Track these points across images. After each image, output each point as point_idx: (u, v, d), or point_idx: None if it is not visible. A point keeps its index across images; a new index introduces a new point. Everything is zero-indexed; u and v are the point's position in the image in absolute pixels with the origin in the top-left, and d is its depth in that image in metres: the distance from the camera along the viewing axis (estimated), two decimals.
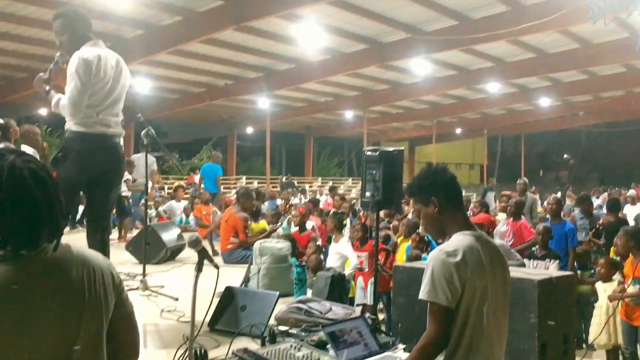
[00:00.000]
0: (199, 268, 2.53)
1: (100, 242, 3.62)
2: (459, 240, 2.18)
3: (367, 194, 4.96)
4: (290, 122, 28.14)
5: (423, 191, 2.28)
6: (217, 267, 2.63)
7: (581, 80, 19.87)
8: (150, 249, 5.58)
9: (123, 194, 8.40)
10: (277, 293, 3.32)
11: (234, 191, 22.00)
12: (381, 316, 5.40)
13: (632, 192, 17.29)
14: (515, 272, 4.08)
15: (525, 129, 31.20)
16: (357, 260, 5.35)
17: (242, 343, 3.14)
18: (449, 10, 13.27)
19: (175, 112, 22.82)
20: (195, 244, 2.68)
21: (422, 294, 2.10)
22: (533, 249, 5.96)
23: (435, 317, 2.08)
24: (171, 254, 6.21)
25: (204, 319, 3.25)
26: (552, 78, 19.92)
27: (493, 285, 2.21)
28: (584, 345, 5.46)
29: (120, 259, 5.79)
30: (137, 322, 1.78)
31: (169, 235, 6.18)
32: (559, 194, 14.91)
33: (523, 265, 4.95)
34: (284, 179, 21.27)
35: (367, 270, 5.86)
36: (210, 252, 3.07)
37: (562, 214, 7.30)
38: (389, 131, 31.66)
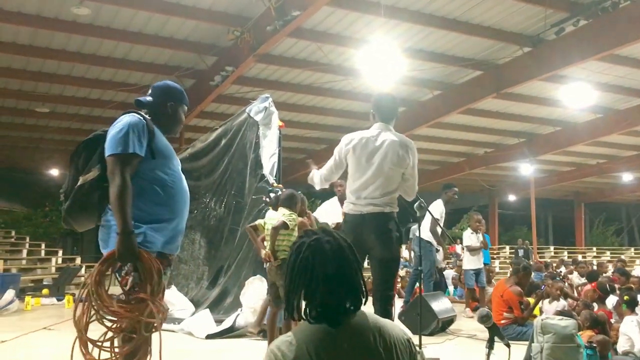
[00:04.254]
0: (491, 345, 2.45)
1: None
2: None
3: None
4: (556, 188, 26.32)
5: None
6: (508, 345, 2.52)
7: None
8: (422, 320, 5.65)
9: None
10: None
11: (497, 262, 21.24)
12: None
13: None
14: None
15: None
16: None
17: None
18: None
19: (434, 183, 23.25)
20: (486, 319, 2.62)
21: None
22: None
23: None
24: (442, 325, 6.18)
25: None
26: None
27: None
28: None
29: None
30: None
31: (440, 306, 6.18)
32: None
33: None
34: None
35: None
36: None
37: None
38: None
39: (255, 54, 10.05)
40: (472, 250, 8.28)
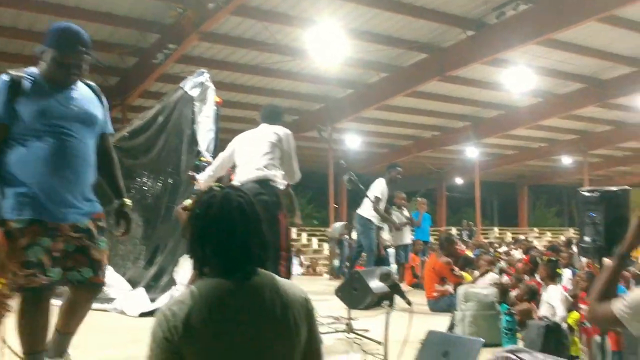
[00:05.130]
0: (391, 303, 2.49)
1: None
2: None
3: (587, 239, 4.51)
4: (501, 171, 27.05)
5: None
6: (409, 303, 2.57)
7: None
8: (357, 295, 5.72)
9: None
10: (482, 340, 3.12)
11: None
12: None
13: None
14: None
15: None
16: (564, 312, 4.83)
17: None
18: None
19: (384, 166, 23.53)
20: (386, 277, 2.63)
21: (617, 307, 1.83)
22: None
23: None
24: (378, 300, 6.27)
25: None
26: None
27: None
28: None
29: (329, 304, 6.03)
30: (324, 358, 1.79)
31: (376, 281, 6.26)
32: None
33: None
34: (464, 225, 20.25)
35: (591, 326, 5.26)
36: None
37: None
38: (615, 176, 28.52)
39: (198, 31, 9.87)
40: (401, 226, 8.53)
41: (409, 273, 9.05)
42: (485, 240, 18.21)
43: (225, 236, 1.68)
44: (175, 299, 1.68)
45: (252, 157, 4.39)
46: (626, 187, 4.45)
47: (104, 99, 2.95)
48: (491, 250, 11.92)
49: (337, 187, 20.69)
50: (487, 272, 6.65)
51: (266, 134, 4.49)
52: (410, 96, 15.03)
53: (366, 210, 7.21)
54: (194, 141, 5.88)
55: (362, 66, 13.32)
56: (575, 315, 5.34)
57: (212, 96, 5.96)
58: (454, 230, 24.52)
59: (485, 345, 4.06)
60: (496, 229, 27.13)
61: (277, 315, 1.66)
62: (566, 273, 7.08)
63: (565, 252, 8.00)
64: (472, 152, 20.40)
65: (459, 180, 28.02)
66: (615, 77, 14.20)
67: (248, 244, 1.70)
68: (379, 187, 7.53)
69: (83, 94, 2.77)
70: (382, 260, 7.84)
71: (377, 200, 7.05)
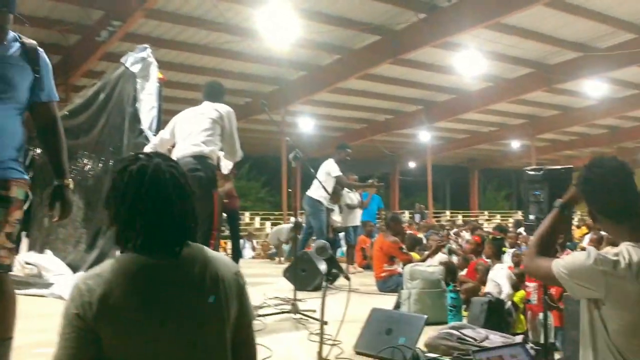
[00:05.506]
0: (328, 277, 2.42)
1: None
2: (626, 249, 1.84)
3: (532, 217, 4.56)
4: (453, 155, 27.49)
5: (604, 196, 1.95)
6: (348, 278, 2.51)
7: None
8: (305, 276, 5.66)
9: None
10: (425, 316, 3.10)
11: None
12: (558, 357, 4.84)
13: None
14: None
15: None
16: (510, 290, 4.91)
17: None
18: (625, 23, 12.09)
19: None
20: (322, 250, 2.54)
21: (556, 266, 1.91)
22: None
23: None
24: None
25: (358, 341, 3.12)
26: None
27: None
28: None
29: (277, 286, 5.96)
30: (255, 335, 1.72)
31: (325, 262, 6.21)
32: None
33: None
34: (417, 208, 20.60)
35: (535, 303, 5.37)
36: None
37: None
38: (561, 160, 29.38)
39: (143, 8, 9.51)
40: (352, 207, 8.53)
41: (360, 254, 9.06)
42: (437, 223, 18.50)
43: (158, 208, 1.55)
44: (92, 271, 1.54)
45: (191, 134, 4.31)
46: (570, 166, 4.51)
47: (44, 62, 2.67)
48: (442, 232, 12.10)
49: (291, 170, 20.58)
50: (436, 252, 6.71)
51: (207, 111, 4.42)
52: (364, 79, 14.99)
53: (315, 191, 7.14)
54: (136, 119, 5.65)
55: (315, 47, 13.17)
56: (521, 293, 5.43)
57: (154, 72, 5.73)
58: (406, 214, 24.87)
59: (431, 322, 4.07)
60: (448, 212, 27.63)
61: (207, 290, 1.55)
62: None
63: (512, 232, 8.16)
64: (424, 135, 20.61)
65: (412, 164, 28.34)
66: (561, 62, 14.50)
67: (183, 216, 1.59)
68: (326, 168, 7.48)
69: (3, 55, 2.53)
70: (332, 242, 7.81)
71: (325, 181, 6.98)
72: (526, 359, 2.60)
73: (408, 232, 8.71)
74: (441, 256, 6.74)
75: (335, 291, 6.22)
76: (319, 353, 2.18)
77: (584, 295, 1.86)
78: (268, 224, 20.66)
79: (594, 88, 15.91)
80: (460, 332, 3.16)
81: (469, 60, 13.08)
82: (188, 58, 13.66)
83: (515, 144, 24.57)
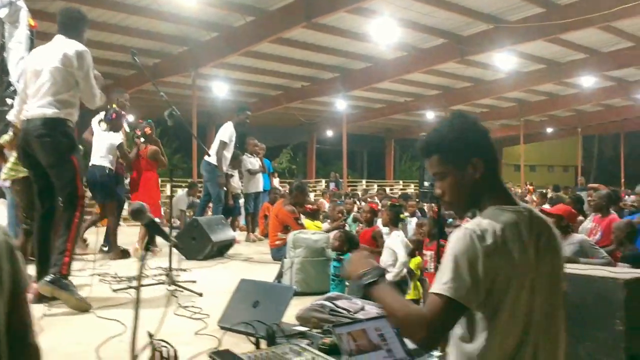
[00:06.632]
0: (148, 245, 2.11)
1: None
2: (493, 217, 1.64)
3: (426, 183, 4.48)
4: (370, 125, 27.66)
5: (459, 149, 1.72)
6: (176, 246, 2.22)
7: None
8: (195, 245, 5.35)
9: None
10: (294, 288, 2.91)
11: (313, 194, 21.93)
12: None
13: None
14: (597, 270, 3.43)
15: (625, 127, 28.80)
16: (405, 258, 4.83)
17: (241, 342, 2.76)
18: None
19: (254, 116, 22.94)
20: (137, 214, 2.19)
21: (439, 287, 1.56)
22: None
23: (444, 309, 1.53)
24: (218, 250, 5.95)
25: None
26: None
27: (538, 275, 1.64)
28: None
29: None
30: (28, 303, 1.51)
31: (216, 230, 5.92)
32: None
33: (610, 264, 4.21)
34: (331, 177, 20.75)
35: (432, 271, 5.33)
36: None
37: None
38: None
39: None
40: (253, 173, 8.23)
41: (263, 222, 8.81)
42: (352, 192, 18.55)
43: None
44: None
45: (39, 90, 3.86)
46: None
47: None
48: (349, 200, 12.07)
49: (204, 136, 19.93)
50: (340, 221, 6.57)
51: (56, 54, 3.92)
52: (279, 43, 14.57)
53: (215, 156, 6.76)
54: (3, 70, 5.05)
55: (226, 7, 12.57)
56: (417, 259, 5.37)
57: (25, 19, 5.11)
58: (323, 182, 24.89)
59: (314, 292, 3.89)
60: (364, 181, 27.90)
61: None
62: (413, 222, 7.20)
63: (413, 200, 8.16)
64: (340, 104, 20.49)
65: (329, 133, 28.30)
66: (474, 34, 14.67)
67: None
68: (226, 132, 7.08)
69: None
70: (230, 210, 7.50)
71: (223, 144, 6.62)
72: (391, 331, 2.43)
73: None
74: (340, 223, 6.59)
75: (225, 260, 5.96)
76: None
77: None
78: (180, 192, 19.98)
79: (504, 61, 16.27)
80: (334, 304, 2.98)
81: (384, 28, 12.96)
82: (88, 12, 12.64)
83: (430, 115, 25.01)
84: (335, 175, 20.50)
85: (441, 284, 1.57)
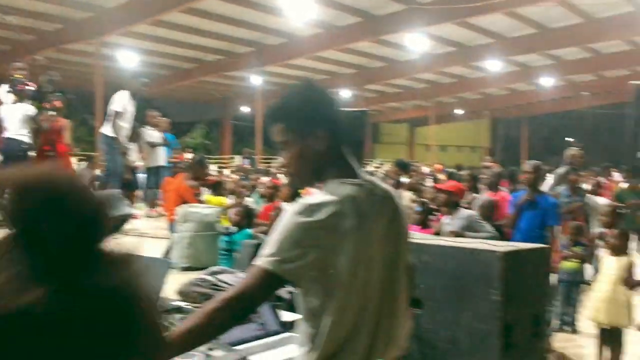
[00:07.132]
0: None
1: None
2: (331, 190, 1.59)
3: None
4: None
5: (303, 119, 1.66)
6: None
7: (584, 58, 19.17)
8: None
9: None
10: (169, 261, 2.81)
11: (228, 170, 21.60)
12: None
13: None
14: (476, 243, 3.57)
15: (528, 111, 30.41)
16: None
17: None
18: None
19: (168, 89, 22.20)
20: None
21: (259, 259, 1.51)
22: None
23: (260, 281, 1.50)
24: (115, 225, 5.67)
25: None
26: (554, 56, 19.21)
27: (378, 250, 1.63)
28: (565, 328, 4.97)
29: None
30: None
31: (115, 207, 5.65)
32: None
33: (495, 238, 4.41)
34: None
35: None
36: None
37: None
38: (387, 111, 30.98)
39: None
40: (154, 146, 7.94)
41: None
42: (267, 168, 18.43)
43: None
44: None
45: None
46: (365, 109, 4.45)
47: None
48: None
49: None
50: (242, 198, 6.47)
51: None
52: (191, 14, 14.09)
53: (110, 127, 6.44)
54: None
55: None
56: None
57: None
58: (237, 158, 24.58)
59: (203, 267, 3.80)
60: (279, 157, 27.86)
61: None
62: None
63: None
64: (256, 79, 20.20)
65: (246, 109, 27.89)
66: (388, 14, 14.84)
67: None
68: (119, 101, 6.72)
69: None
70: (129, 184, 7.21)
71: (117, 114, 6.30)
72: (264, 304, 2.39)
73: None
74: (249, 201, 6.51)
75: (118, 236, 5.72)
76: None
77: None
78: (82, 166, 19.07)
79: (416, 42, 16.58)
80: (216, 278, 2.92)
81: (299, 3, 12.82)
82: None
83: (346, 94, 25.20)
84: (248, 151, 20.27)
85: (262, 256, 1.54)
